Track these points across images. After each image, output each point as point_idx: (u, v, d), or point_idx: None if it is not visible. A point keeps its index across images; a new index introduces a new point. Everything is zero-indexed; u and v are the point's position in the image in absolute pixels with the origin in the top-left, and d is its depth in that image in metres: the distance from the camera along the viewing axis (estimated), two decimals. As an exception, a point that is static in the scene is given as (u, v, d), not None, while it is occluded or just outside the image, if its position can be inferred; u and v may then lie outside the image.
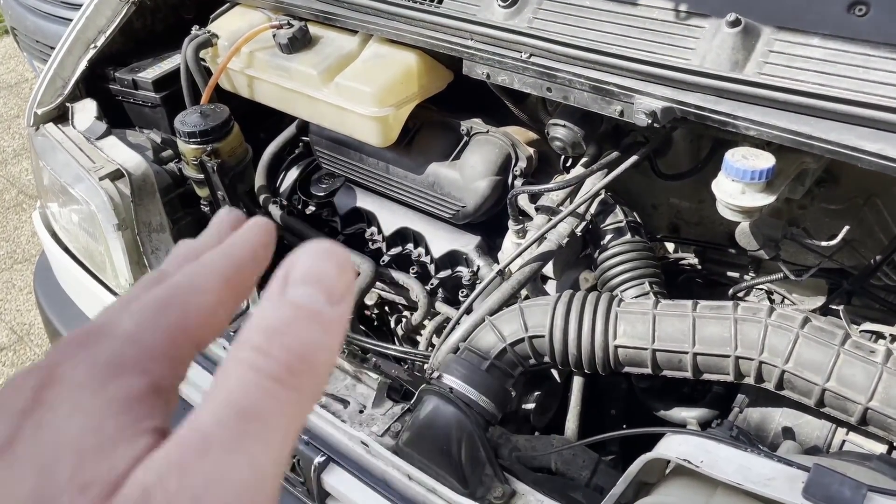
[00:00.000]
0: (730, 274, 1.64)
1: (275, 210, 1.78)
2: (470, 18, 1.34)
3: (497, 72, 1.32)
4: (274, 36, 1.54)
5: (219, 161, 1.51)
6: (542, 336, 1.13)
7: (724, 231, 1.68)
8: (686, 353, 1.04)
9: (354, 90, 1.45)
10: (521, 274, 1.32)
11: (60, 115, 1.84)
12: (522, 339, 1.14)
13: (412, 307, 1.69)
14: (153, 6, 2.00)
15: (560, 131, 1.35)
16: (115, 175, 1.58)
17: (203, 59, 1.70)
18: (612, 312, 1.10)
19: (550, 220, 1.41)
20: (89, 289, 1.69)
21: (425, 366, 1.36)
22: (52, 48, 3.62)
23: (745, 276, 1.60)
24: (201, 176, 1.54)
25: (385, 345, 1.44)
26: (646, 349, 1.06)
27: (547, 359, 1.16)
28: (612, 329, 1.09)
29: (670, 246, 1.72)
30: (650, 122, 1.13)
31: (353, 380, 1.34)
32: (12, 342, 3.18)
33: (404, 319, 1.70)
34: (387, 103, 1.43)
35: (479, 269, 1.54)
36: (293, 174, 1.90)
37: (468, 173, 1.50)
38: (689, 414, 1.25)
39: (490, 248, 1.60)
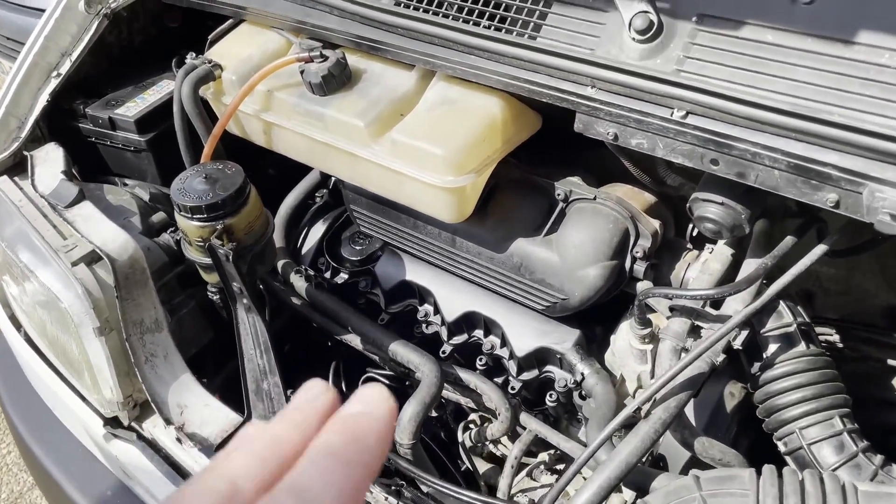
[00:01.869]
0: (891, 362, 1.28)
1: (298, 281, 1.38)
2: (588, 58, 0.95)
3: (631, 133, 0.94)
4: (302, 73, 1.14)
5: (233, 244, 1.12)
6: (743, 545, 0.77)
7: (881, 305, 1.32)
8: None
9: (419, 151, 1.05)
10: (664, 411, 0.96)
11: (16, 165, 1.43)
12: (711, 549, 0.78)
13: (484, 412, 1.32)
14: (130, 15, 1.59)
15: (714, 211, 0.98)
16: (92, 258, 1.19)
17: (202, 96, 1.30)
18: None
19: (692, 324, 1.04)
20: (64, 400, 1.30)
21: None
22: (21, 43, 3.17)
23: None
24: (209, 261, 1.15)
25: (470, 494, 1.07)
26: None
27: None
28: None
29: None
30: (901, 227, 0.76)
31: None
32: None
33: (473, 427, 1.33)
34: (465, 169, 1.05)
35: (584, 378, 1.17)
36: (318, 230, 1.50)
37: (572, 256, 1.11)
38: None
39: (588, 339, 1.23)
